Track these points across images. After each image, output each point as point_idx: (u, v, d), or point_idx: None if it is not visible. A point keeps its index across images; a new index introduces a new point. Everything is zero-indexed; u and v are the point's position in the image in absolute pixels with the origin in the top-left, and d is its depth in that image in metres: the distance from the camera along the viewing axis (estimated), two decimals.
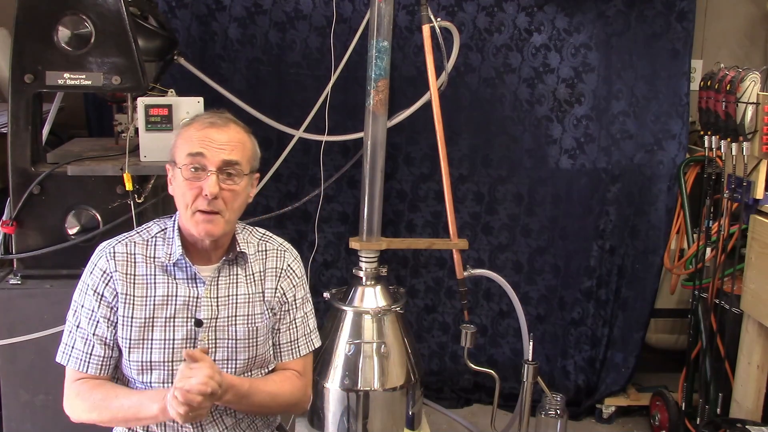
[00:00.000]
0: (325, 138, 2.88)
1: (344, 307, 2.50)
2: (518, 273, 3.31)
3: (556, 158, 3.19)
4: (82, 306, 1.69)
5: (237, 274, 1.75)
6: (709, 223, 2.83)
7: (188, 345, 1.68)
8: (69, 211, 2.22)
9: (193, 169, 1.63)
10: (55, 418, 2.21)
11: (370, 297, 2.52)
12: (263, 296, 1.77)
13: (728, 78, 2.58)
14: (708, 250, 2.83)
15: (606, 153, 3.17)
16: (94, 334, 1.67)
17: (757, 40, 3.44)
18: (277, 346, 1.82)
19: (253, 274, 1.77)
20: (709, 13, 3.37)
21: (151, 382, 1.68)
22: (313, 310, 1.88)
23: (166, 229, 1.73)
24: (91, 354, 1.68)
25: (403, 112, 2.71)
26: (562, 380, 3.34)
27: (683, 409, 2.98)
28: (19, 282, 2.22)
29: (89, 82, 2.16)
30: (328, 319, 2.59)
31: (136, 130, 2.24)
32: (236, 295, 1.74)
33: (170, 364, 1.67)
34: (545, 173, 3.21)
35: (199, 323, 1.69)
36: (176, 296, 1.69)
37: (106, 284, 1.67)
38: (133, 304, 1.67)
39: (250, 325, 1.74)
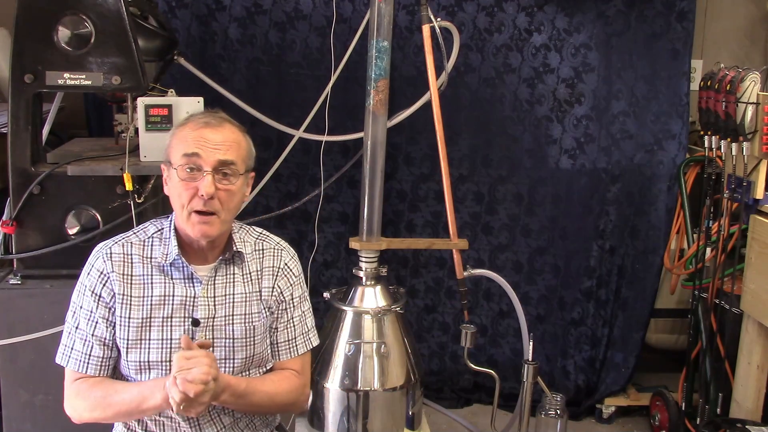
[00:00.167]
0: (325, 138, 2.88)
1: (344, 307, 2.50)
2: (518, 273, 3.31)
3: (556, 158, 3.19)
4: (81, 307, 1.69)
5: (234, 274, 1.75)
6: (709, 223, 2.83)
7: (181, 343, 1.66)
8: (69, 211, 2.22)
9: (188, 170, 1.63)
10: (55, 418, 2.21)
11: (370, 297, 2.52)
12: (260, 295, 1.77)
13: (728, 78, 2.58)
14: (708, 250, 2.83)
15: (606, 153, 3.17)
16: (93, 335, 1.68)
17: (757, 40, 3.44)
18: (275, 345, 1.82)
19: (250, 273, 1.77)
20: (709, 13, 3.37)
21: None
22: (310, 309, 1.88)
23: (162, 229, 1.73)
24: (90, 355, 1.68)
25: (403, 112, 2.71)
26: (562, 380, 3.34)
27: (683, 409, 2.98)
28: (19, 282, 2.22)
29: (89, 82, 2.16)
30: (328, 319, 2.59)
31: (136, 130, 2.24)
32: (233, 294, 1.74)
33: (168, 363, 1.67)
34: (545, 173, 3.21)
35: (196, 323, 1.70)
36: (173, 296, 1.69)
37: (104, 285, 1.67)
38: (130, 304, 1.67)
39: (247, 324, 1.74)
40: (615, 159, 3.17)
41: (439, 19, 2.47)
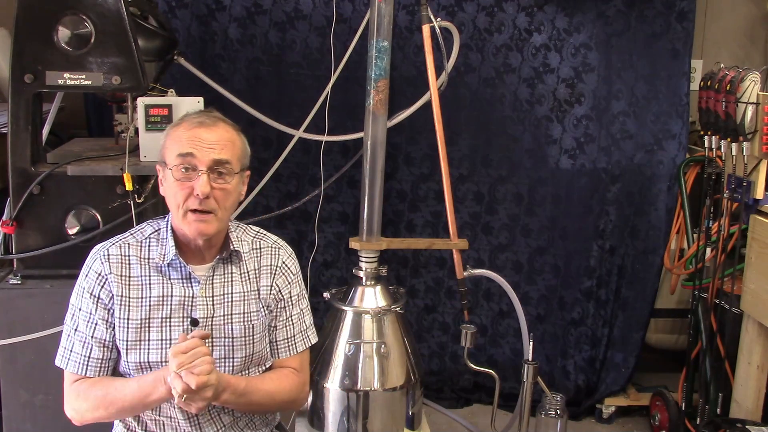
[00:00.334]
0: (325, 138, 2.88)
1: (344, 307, 2.50)
2: (518, 273, 3.31)
3: (556, 158, 3.19)
4: (80, 309, 1.69)
5: (232, 273, 1.76)
6: (709, 223, 2.83)
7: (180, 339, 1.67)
8: (69, 211, 2.22)
9: (183, 170, 1.63)
10: (55, 418, 2.21)
11: (370, 297, 2.52)
12: (258, 294, 1.78)
13: (728, 78, 2.58)
14: (708, 250, 2.83)
15: (606, 153, 3.17)
16: (92, 337, 1.68)
17: (757, 40, 3.44)
18: (274, 344, 1.83)
19: (248, 272, 1.77)
20: (709, 13, 3.37)
21: None
22: (309, 307, 1.89)
23: (159, 229, 1.74)
24: (89, 357, 1.68)
25: (403, 112, 2.71)
26: (562, 380, 3.34)
27: (683, 409, 2.98)
28: (19, 282, 2.22)
29: (89, 82, 2.16)
30: (328, 319, 2.59)
31: (136, 130, 2.24)
32: (231, 293, 1.74)
33: (167, 363, 1.67)
34: (545, 173, 3.21)
35: (195, 323, 1.70)
36: (171, 296, 1.69)
37: (102, 286, 1.67)
38: (129, 305, 1.67)
39: (246, 323, 1.75)
40: (615, 159, 3.17)
41: (439, 19, 2.47)
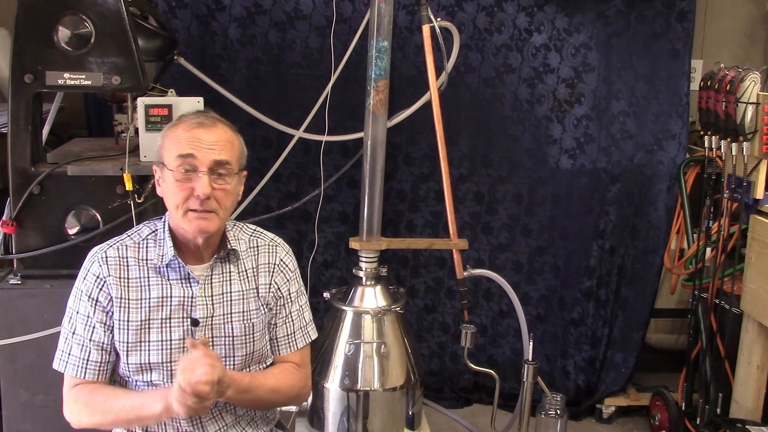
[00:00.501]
0: (325, 138, 2.88)
1: (344, 307, 2.50)
2: (518, 273, 3.30)
3: (556, 158, 3.19)
4: (77, 312, 1.68)
5: (230, 272, 1.76)
6: (709, 223, 2.83)
7: (185, 345, 1.67)
8: (69, 211, 2.22)
9: (183, 171, 1.63)
10: (55, 418, 2.21)
11: (370, 297, 2.52)
12: (257, 292, 1.78)
13: (728, 78, 2.58)
14: (708, 250, 2.83)
15: (606, 153, 3.17)
16: (90, 340, 1.67)
17: (757, 40, 3.44)
18: (275, 341, 1.83)
19: (246, 270, 1.78)
20: (709, 13, 3.37)
21: (151, 381, 1.69)
22: (307, 303, 1.90)
23: (156, 230, 1.73)
24: (88, 360, 1.68)
25: (403, 112, 2.71)
26: (562, 380, 3.34)
27: (683, 409, 2.98)
28: (19, 282, 2.22)
29: (89, 82, 2.16)
30: (328, 319, 2.59)
31: (136, 130, 2.24)
32: (230, 292, 1.75)
33: (169, 364, 1.68)
34: (545, 173, 3.21)
35: (195, 323, 1.70)
36: (171, 297, 1.69)
37: (100, 289, 1.67)
38: (129, 307, 1.67)
39: (245, 322, 1.75)
40: (615, 159, 3.17)
41: (439, 19, 2.47)
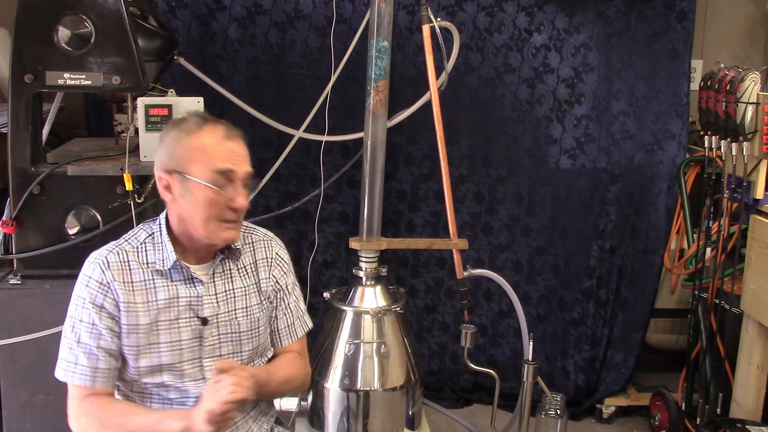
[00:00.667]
0: (325, 138, 2.88)
1: (344, 307, 2.50)
2: (518, 273, 3.30)
3: (556, 158, 3.19)
4: (81, 320, 1.65)
5: (231, 269, 1.77)
6: (709, 223, 2.83)
7: (195, 344, 1.70)
8: (69, 211, 2.22)
9: (222, 186, 1.62)
10: (55, 418, 2.21)
11: (370, 297, 2.53)
12: (258, 287, 1.80)
13: (728, 78, 2.58)
14: (708, 250, 2.83)
15: (606, 153, 3.17)
16: (98, 347, 1.64)
17: (757, 40, 3.44)
18: (276, 332, 1.86)
19: (245, 266, 1.80)
20: (709, 13, 3.37)
21: (163, 383, 1.69)
22: (301, 294, 1.94)
23: (153, 233, 1.71)
24: (96, 368, 1.64)
25: (403, 112, 2.71)
26: (562, 380, 3.34)
27: (683, 409, 2.98)
28: (19, 282, 2.22)
29: (89, 82, 2.16)
30: (328, 319, 2.59)
31: (136, 130, 2.24)
32: (233, 289, 1.76)
33: (180, 364, 1.69)
34: (545, 173, 3.21)
35: (204, 321, 1.71)
36: (178, 298, 1.69)
37: (105, 295, 1.64)
38: (137, 311, 1.65)
39: (250, 317, 1.77)
40: (615, 159, 3.17)
41: (439, 19, 2.47)
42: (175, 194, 1.65)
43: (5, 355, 2.18)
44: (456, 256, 2.59)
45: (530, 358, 2.53)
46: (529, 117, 3.17)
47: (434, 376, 3.38)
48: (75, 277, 2.24)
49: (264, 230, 1.89)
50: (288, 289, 1.86)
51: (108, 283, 1.64)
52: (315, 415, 2.52)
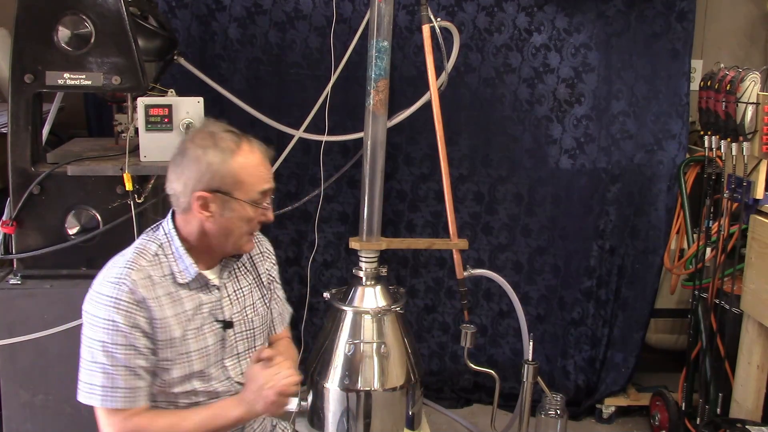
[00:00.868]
0: (325, 138, 2.88)
1: (344, 307, 2.50)
2: (518, 273, 3.31)
3: (556, 158, 3.19)
4: (116, 344, 1.58)
5: (234, 269, 1.80)
6: (709, 223, 2.83)
7: (219, 347, 1.73)
8: (69, 211, 2.22)
9: (260, 203, 1.70)
10: (55, 418, 2.21)
11: (370, 297, 2.53)
12: (259, 281, 1.86)
13: (728, 78, 2.58)
14: (708, 250, 2.83)
15: (606, 153, 3.17)
16: (138, 367, 1.61)
17: (757, 40, 3.43)
18: (271, 321, 1.93)
19: (244, 264, 1.84)
20: (709, 13, 3.37)
21: (194, 390, 1.70)
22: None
23: (162, 245, 1.69)
24: (136, 387, 1.61)
25: (403, 112, 2.72)
26: (562, 380, 3.34)
27: (683, 409, 2.98)
28: (19, 282, 2.22)
29: (89, 82, 2.16)
30: (328, 319, 2.59)
31: (136, 130, 2.24)
32: (241, 288, 1.80)
33: (207, 369, 1.71)
34: (545, 173, 3.21)
35: (229, 324, 1.74)
36: (201, 305, 1.70)
37: (139, 314, 1.60)
38: (170, 325, 1.64)
39: (259, 312, 1.83)
40: (615, 159, 3.17)
41: (439, 19, 2.47)
42: (214, 212, 1.65)
43: (5, 355, 2.18)
44: (456, 256, 2.59)
45: (530, 358, 2.53)
46: (529, 117, 3.17)
47: (434, 376, 3.38)
48: (75, 277, 2.25)
49: None
50: (277, 280, 1.93)
51: (140, 301, 1.60)
52: (315, 415, 2.52)
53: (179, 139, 2.20)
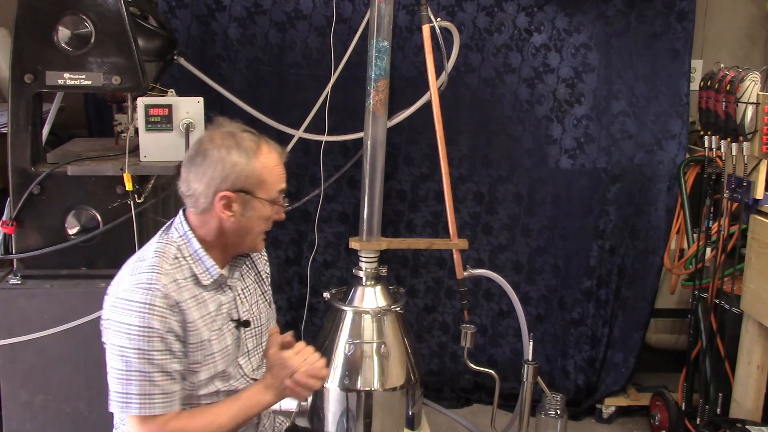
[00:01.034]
0: (325, 138, 2.89)
1: (344, 307, 2.51)
2: (518, 273, 3.31)
3: (556, 158, 3.19)
4: (152, 350, 1.57)
5: (240, 268, 1.81)
6: (709, 223, 2.83)
7: (236, 347, 1.74)
8: (69, 211, 2.22)
9: (279, 203, 1.72)
10: (55, 417, 2.22)
11: (370, 297, 2.53)
12: (260, 278, 1.88)
13: (728, 78, 2.58)
14: (708, 250, 2.83)
15: (606, 153, 3.17)
16: (174, 371, 1.60)
17: (757, 40, 3.43)
18: (272, 317, 1.95)
19: (246, 263, 1.84)
20: (709, 13, 3.37)
21: (217, 390, 1.70)
22: None
23: (180, 247, 1.67)
24: (172, 392, 1.61)
25: (403, 112, 2.72)
26: (562, 380, 3.34)
27: (683, 409, 2.98)
28: (19, 282, 2.22)
29: (89, 82, 2.16)
30: (328, 319, 2.59)
31: (136, 130, 2.24)
32: (248, 287, 1.82)
33: (227, 369, 1.71)
34: (545, 173, 3.21)
35: (246, 323, 1.76)
36: (221, 306, 1.71)
37: (173, 319, 1.58)
38: (199, 328, 1.64)
39: (263, 308, 1.86)
40: (615, 159, 3.17)
41: (439, 19, 2.47)
42: (236, 212, 1.64)
43: (5, 355, 2.18)
44: (456, 256, 2.59)
45: (530, 358, 2.53)
46: (529, 117, 3.17)
47: (434, 376, 3.38)
48: (75, 277, 2.25)
49: None
50: (269, 277, 1.94)
51: (172, 305, 1.58)
52: (315, 415, 2.52)
53: (179, 139, 2.22)
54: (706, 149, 2.79)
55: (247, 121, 2.77)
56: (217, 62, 3.07)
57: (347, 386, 2.43)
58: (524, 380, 2.51)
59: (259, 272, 1.88)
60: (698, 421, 2.85)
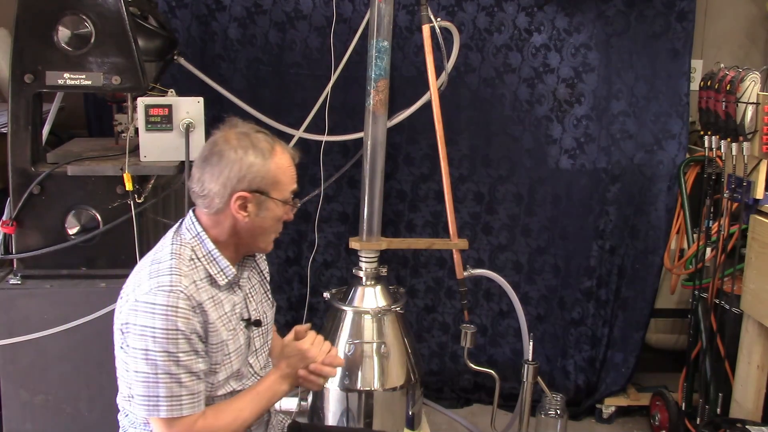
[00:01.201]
0: (325, 138, 2.89)
1: (344, 307, 2.51)
2: (518, 273, 3.31)
3: (556, 158, 3.19)
4: (179, 352, 1.56)
5: (247, 268, 1.81)
6: (709, 223, 2.83)
7: (247, 346, 1.75)
8: (69, 211, 2.22)
9: (290, 203, 1.71)
10: (55, 417, 2.22)
11: (370, 297, 2.53)
12: (263, 277, 1.88)
13: (728, 78, 2.58)
14: (708, 250, 2.83)
15: (606, 153, 3.17)
16: (200, 371, 1.60)
17: (757, 40, 3.43)
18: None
19: (250, 263, 1.84)
20: (709, 13, 3.37)
21: (233, 390, 1.70)
22: None
23: (194, 248, 1.66)
24: (198, 392, 1.60)
25: (403, 112, 2.72)
26: (562, 380, 3.34)
27: (683, 409, 2.98)
28: (19, 282, 2.22)
29: (89, 82, 2.16)
30: (328, 319, 2.59)
31: (136, 130, 2.24)
32: (254, 285, 1.82)
33: (240, 368, 1.72)
34: (545, 173, 3.21)
35: (258, 323, 1.77)
36: (234, 306, 1.71)
37: (196, 320, 1.58)
38: (218, 329, 1.63)
39: (268, 305, 1.87)
40: (615, 159, 3.17)
41: (439, 19, 2.47)
42: (251, 212, 1.64)
43: (5, 355, 2.18)
44: (456, 256, 2.59)
45: (530, 358, 2.54)
46: (529, 117, 3.17)
47: (434, 376, 3.38)
48: (75, 277, 2.25)
49: None
50: (269, 276, 1.94)
51: (195, 306, 1.58)
52: (315, 415, 2.52)
53: (179, 139, 2.22)
54: (706, 149, 2.79)
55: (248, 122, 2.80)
56: (217, 62, 3.07)
57: (347, 386, 2.43)
58: (524, 380, 2.51)
59: (261, 271, 1.88)
60: (698, 421, 2.85)
